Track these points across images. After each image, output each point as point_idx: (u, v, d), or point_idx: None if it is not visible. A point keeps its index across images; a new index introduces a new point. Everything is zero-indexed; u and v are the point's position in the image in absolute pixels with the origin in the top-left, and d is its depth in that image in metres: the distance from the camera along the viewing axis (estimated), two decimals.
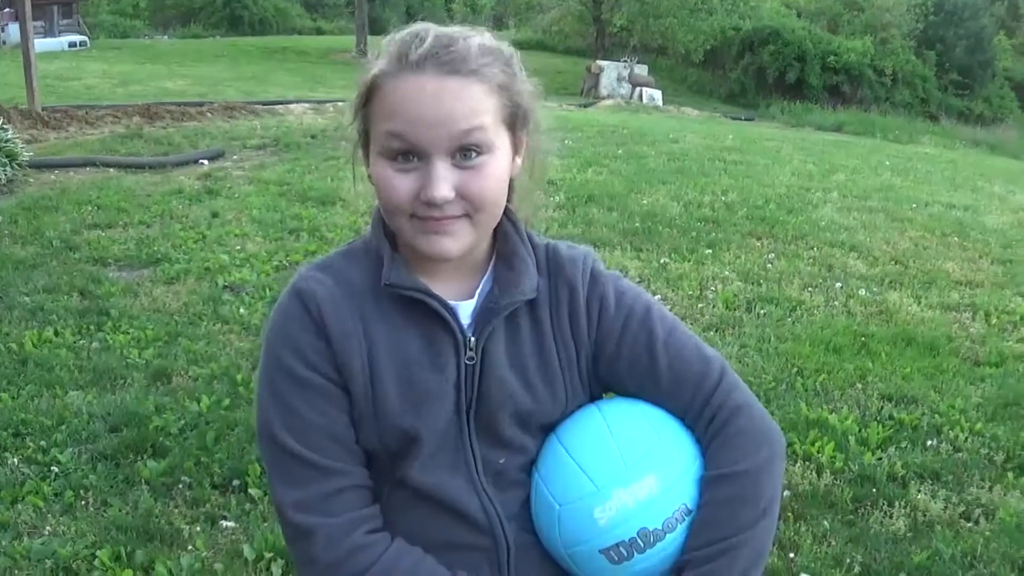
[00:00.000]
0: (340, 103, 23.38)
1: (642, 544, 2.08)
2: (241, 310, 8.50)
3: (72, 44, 44.68)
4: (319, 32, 66.50)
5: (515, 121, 2.10)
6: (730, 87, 51.46)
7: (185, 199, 12.67)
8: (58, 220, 11.25)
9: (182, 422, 6.30)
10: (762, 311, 9.38)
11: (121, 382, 6.92)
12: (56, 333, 7.77)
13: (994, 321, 9.54)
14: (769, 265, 11.09)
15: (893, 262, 11.68)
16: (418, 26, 2.07)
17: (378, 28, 60.59)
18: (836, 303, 9.86)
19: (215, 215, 11.90)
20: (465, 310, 2.16)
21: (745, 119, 38.69)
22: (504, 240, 2.21)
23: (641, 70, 42.05)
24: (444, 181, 1.95)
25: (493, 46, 2.09)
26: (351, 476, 2.12)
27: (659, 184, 15.22)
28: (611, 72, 41.19)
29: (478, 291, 2.18)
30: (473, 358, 2.12)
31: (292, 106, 22.36)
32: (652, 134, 21.27)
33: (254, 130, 18.26)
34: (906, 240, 12.87)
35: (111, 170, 14.30)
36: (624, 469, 2.11)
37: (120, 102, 20.67)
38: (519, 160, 2.18)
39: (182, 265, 9.76)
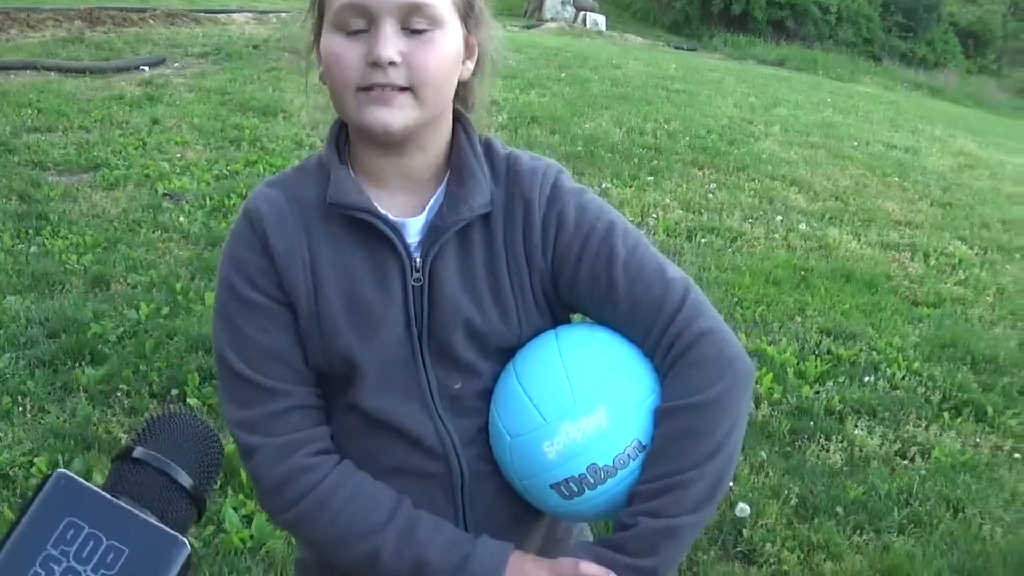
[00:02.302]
0: (283, 14, 23.18)
1: (592, 480, 1.98)
2: (181, 218, 8.42)
3: None
4: None
5: (468, 16, 2.05)
6: (674, 16, 51.26)
7: (126, 105, 12.50)
8: None
9: (120, 330, 6.26)
10: (703, 240, 9.42)
11: (59, 288, 6.87)
12: None
13: (933, 262, 9.65)
14: (710, 195, 11.12)
15: (833, 198, 11.77)
16: None
17: None
18: (776, 236, 9.91)
19: (155, 122, 11.75)
20: (413, 227, 2.06)
21: (688, 49, 38.70)
22: (458, 154, 2.11)
23: None
24: (391, 43, 1.90)
25: None
26: (296, 396, 2.07)
27: (602, 109, 15.21)
28: None
29: (427, 207, 2.08)
30: (420, 279, 2.04)
31: (234, 15, 22.06)
32: (595, 59, 21.22)
33: (196, 38, 18.02)
34: (847, 177, 12.96)
35: (52, 74, 14.06)
36: (573, 402, 1.99)
37: (62, 6, 20.39)
38: (470, 64, 2.11)
39: (122, 171, 9.65)
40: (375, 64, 1.90)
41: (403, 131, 1.97)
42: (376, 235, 2.02)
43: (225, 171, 9.97)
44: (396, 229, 2.03)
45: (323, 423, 2.11)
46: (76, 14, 18.82)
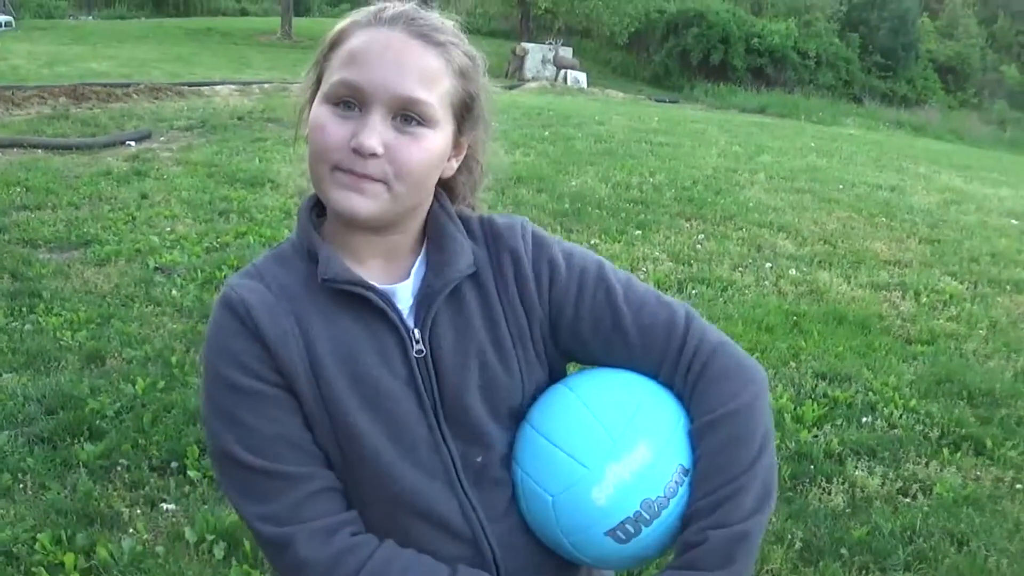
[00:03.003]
0: (266, 85, 23.25)
1: (648, 516, 1.97)
2: (173, 292, 8.43)
3: None
4: (244, 13, 65.81)
5: (463, 115, 2.06)
6: (654, 69, 51.57)
7: (113, 180, 12.54)
8: None
9: (118, 404, 6.25)
10: (694, 291, 9.44)
11: (55, 364, 6.86)
12: None
13: (924, 300, 9.67)
14: (699, 246, 11.16)
15: (822, 242, 11.82)
16: None
17: (302, 10, 60.36)
18: (767, 283, 9.94)
19: (144, 196, 11.78)
20: (402, 293, 2.06)
21: (669, 101, 38.89)
22: (433, 222, 2.12)
23: (566, 52, 41.93)
24: (377, 134, 1.90)
25: (463, 37, 2.08)
26: (318, 479, 2.00)
27: (587, 166, 15.25)
28: (536, 54, 41.05)
29: (413, 271, 2.09)
30: (421, 350, 2.02)
31: (218, 87, 22.20)
32: (578, 116, 21.31)
33: (181, 111, 18.13)
34: (834, 220, 13.01)
35: (38, 151, 14.14)
36: (612, 443, 1.99)
37: (46, 83, 20.46)
38: (455, 163, 2.12)
39: (112, 247, 9.65)
40: (356, 151, 1.91)
41: (370, 220, 1.98)
42: (370, 308, 2.01)
43: (215, 243, 9.98)
44: (389, 300, 2.02)
45: (349, 508, 2.05)
46: (61, 91, 18.94)
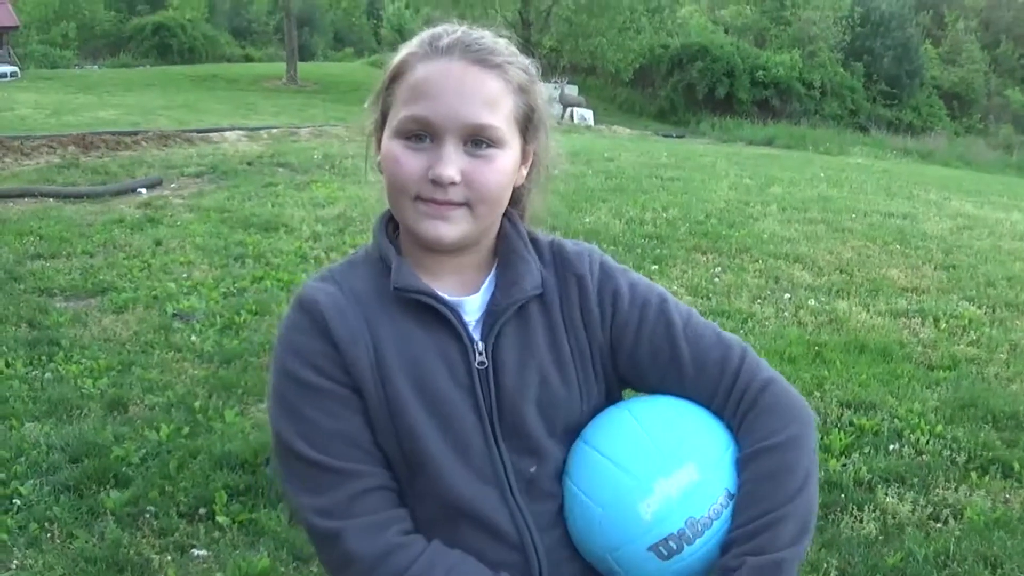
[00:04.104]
0: (274, 130, 23.32)
1: (690, 535, 2.03)
2: (193, 338, 8.44)
3: (2, 75, 44.43)
4: (248, 59, 66.21)
5: (527, 127, 2.15)
6: (660, 105, 51.75)
7: (127, 228, 12.61)
8: None
9: (143, 451, 6.23)
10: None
11: (77, 412, 6.84)
12: (7, 364, 7.68)
13: (943, 326, 9.65)
14: (716, 279, 11.16)
15: (838, 271, 11.79)
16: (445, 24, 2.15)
17: (307, 55, 60.59)
18: (786, 313, 9.93)
19: (158, 243, 11.83)
20: (471, 306, 2.15)
21: (676, 136, 39.02)
22: (505, 242, 2.20)
23: (571, 90, 42.10)
24: (453, 163, 1.99)
25: (516, 52, 2.17)
26: (372, 478, 2.09)
27: (599, 202, 15.25)
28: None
29: (483, 287, 2.17)
30: (484, 363, 2.11)
31: (226, 133, 22.37)
32: (586, 153, 21.32)
33: (190, 158, 18.25)
34: (849, 249, 12.99)
35: (50, 200, 14.25)
36: (662, 459, 2.08)
37: (54, 132, 20.57)
38: (524, 171, 2.20)
39: (129, 294, 9.68)
40: (435, 182, 1.99)
41: (456, 244, 2.07)
42: (438, 318, 2.10)
43: (233, 288, 10.03)
44: (456, 312, 2.10)
45: (402, 506, 2.13)
46: (69, 140, 19.15)
